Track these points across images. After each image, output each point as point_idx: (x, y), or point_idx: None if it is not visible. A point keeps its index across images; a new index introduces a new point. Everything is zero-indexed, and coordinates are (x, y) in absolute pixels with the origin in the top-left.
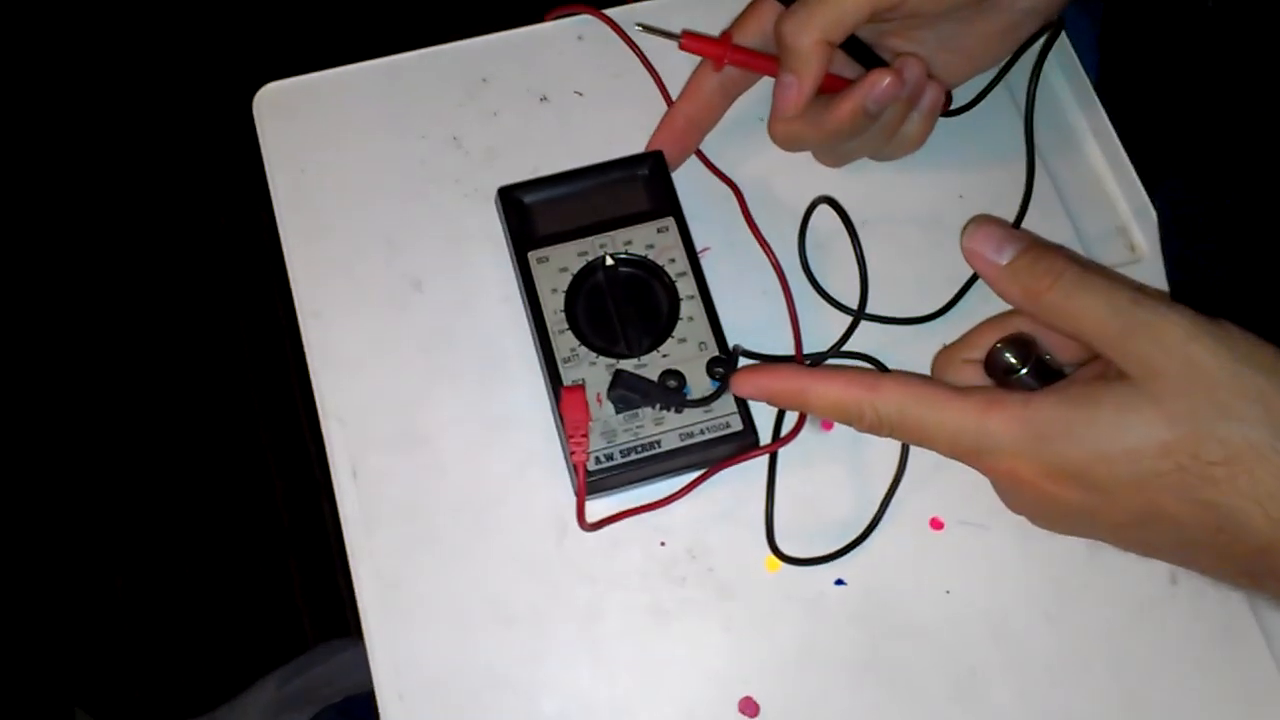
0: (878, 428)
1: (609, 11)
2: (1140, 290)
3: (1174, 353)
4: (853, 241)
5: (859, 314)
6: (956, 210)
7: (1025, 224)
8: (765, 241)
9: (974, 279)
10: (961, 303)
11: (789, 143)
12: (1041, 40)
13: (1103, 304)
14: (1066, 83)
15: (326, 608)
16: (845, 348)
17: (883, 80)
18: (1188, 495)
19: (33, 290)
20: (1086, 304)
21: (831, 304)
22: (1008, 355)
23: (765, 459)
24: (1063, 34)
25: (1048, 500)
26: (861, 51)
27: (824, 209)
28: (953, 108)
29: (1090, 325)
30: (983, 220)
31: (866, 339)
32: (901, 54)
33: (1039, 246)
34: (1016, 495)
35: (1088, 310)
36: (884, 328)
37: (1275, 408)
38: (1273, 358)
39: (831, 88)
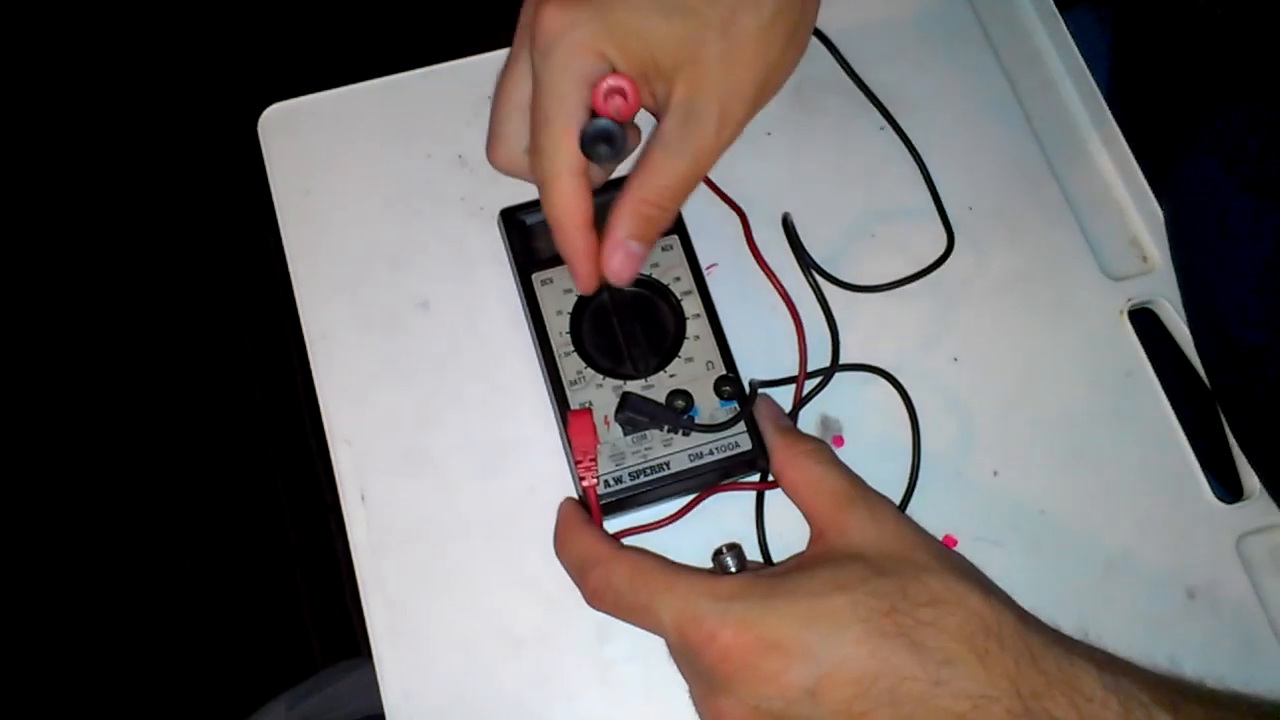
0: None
1: None
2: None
3: (886, 524)
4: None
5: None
6: (966, 221)
7: (1039, 238)
8: (767, 265)
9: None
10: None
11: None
12: None
13: (835, 478)
14: (1077, 93)
15: (335, 629)
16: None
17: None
18: (905, 639)
19: (40, 313)
20: (823, 474)
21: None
22: (726, 558)
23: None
24: (1072, 42)
25: (767, 682)
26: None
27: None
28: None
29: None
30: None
31: (870, 352)
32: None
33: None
34: (731, 685)
35: (824, 480)
36: (878, 318)
37: (957, 565)
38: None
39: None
